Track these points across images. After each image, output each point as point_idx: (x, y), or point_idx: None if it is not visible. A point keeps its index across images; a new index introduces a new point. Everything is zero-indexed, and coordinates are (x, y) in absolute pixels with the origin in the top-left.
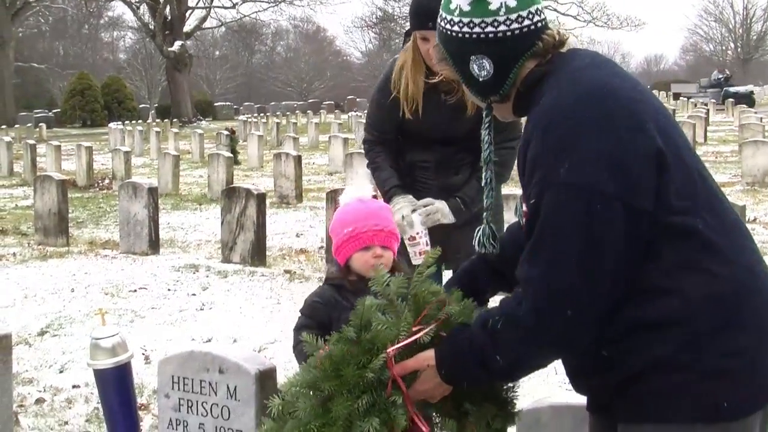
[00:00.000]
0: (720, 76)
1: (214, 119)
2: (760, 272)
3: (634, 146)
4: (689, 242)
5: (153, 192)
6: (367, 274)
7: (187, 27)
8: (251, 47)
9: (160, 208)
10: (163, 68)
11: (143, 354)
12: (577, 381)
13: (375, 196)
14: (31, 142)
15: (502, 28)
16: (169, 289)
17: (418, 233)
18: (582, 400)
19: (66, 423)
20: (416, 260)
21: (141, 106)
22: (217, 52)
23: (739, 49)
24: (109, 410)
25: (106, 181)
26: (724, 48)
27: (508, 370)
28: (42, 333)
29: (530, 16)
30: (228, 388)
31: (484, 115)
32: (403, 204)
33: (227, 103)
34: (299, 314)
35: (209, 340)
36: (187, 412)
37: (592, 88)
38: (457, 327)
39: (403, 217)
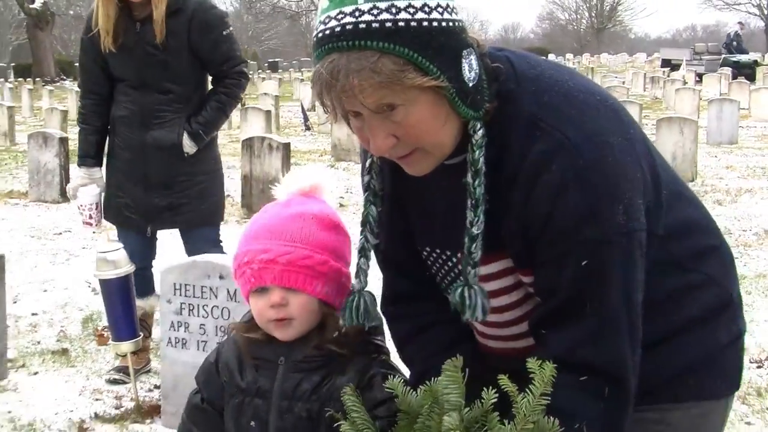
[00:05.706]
0: (736, 30)
1: (76, 79)
2: None
3: (648, 163)
4: (694, 233)
5: (64, 142)
6: (265, 328)
7: None
8: None
9: None
10: (14, 26)
11: (89, 286)
12: None
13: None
14: None
15: (457, 17)
16: (94, 232)
17: (81, 205)
18: None
19: (39, 342)
20: (83, 227)
21: None
22: (71, 12)
23: (593, 19)
24: (114, 316)
25: None
26: (579, 17)
27: None
28: None
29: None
30: (228, 291)
31: (479, 134)
32: (81, 176)
33: None
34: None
35: None
36: (189, 314)
37: (596, 107)
38: None
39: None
